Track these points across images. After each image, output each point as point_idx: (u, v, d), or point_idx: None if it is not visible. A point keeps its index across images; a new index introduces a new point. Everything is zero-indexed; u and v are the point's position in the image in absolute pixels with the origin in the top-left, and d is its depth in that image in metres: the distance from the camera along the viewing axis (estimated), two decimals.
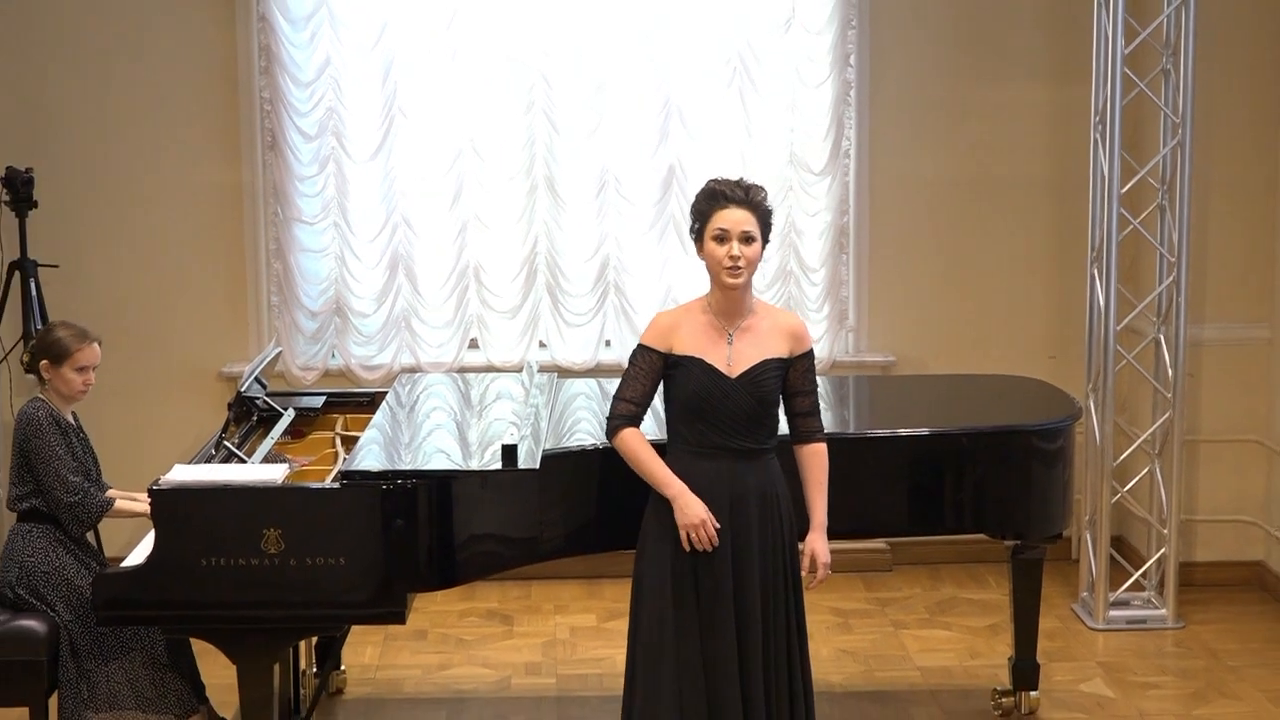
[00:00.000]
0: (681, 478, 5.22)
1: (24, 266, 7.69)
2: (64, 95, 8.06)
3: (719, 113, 8.17)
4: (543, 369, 7.21)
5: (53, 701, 6.09)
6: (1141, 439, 7.96)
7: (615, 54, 8.10)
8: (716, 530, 5.17)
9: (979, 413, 6.79)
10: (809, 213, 8.29)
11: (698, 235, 5.29)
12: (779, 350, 5.28)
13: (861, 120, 8.28)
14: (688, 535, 5.16)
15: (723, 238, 5.20)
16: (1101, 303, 7.77)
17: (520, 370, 7.41)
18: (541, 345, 8.31)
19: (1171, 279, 7.78)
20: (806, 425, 5.38)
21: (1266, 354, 8.13)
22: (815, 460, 5.39)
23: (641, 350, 5.33)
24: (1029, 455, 6.36)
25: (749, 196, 5.25)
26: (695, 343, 5.26)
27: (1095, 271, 7.81)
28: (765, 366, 5.25)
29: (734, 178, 5.37)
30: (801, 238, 8.29)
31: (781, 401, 5.34)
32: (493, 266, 8.26)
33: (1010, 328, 8.43)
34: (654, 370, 5.31)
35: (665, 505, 5.23)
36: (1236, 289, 8.14)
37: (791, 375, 5.31)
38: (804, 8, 8.13)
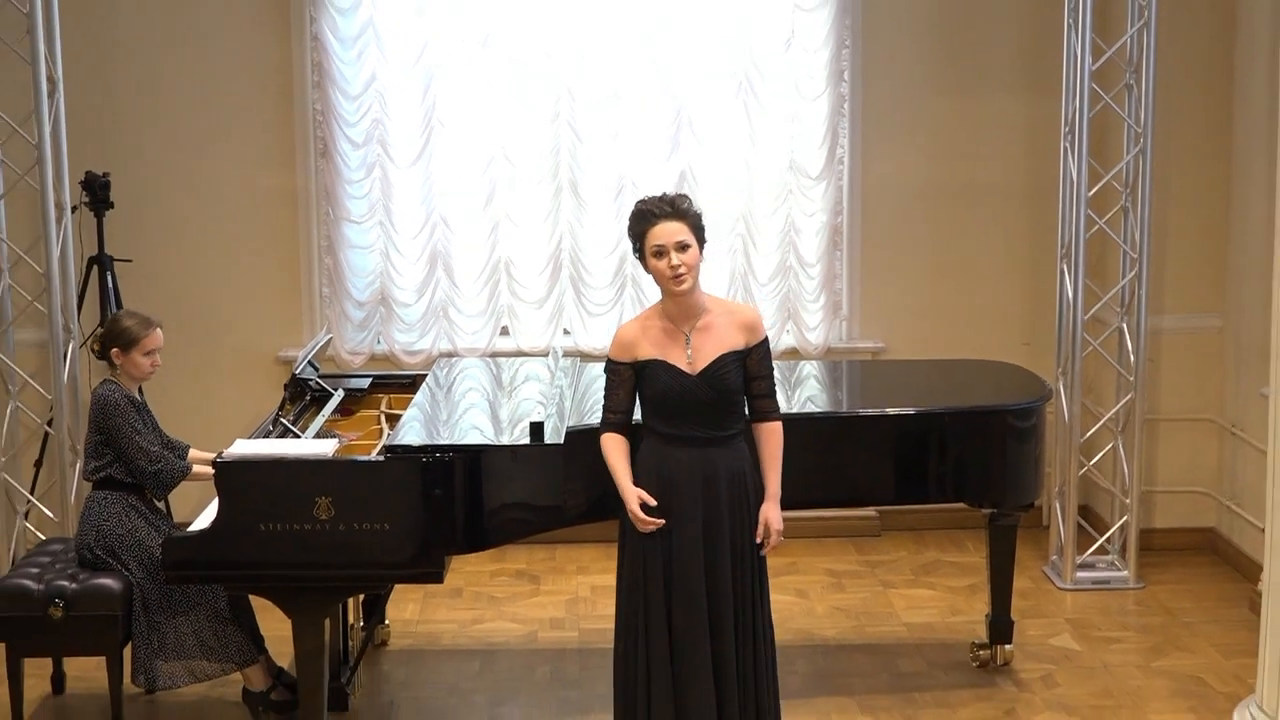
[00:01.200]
0: (656, 463, 5.25)
1: (102, 261, 7.72)
2: (138, 107, 8.07)
3: (726, 123, 8.16)
4: (567, 354, 7.22)
5: (126, 651, 6.13)
6: (1106, 418, 7.95)
7: (632, 70, 8.09)
8: (657, 508, 5.19)
9: (960, 394, 6.79)
10: (806, 213, 8.27)
11: (639, 254, 5.27)
12: (735, 343, 5.26)
13: (854, 130, 8.26)
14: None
15: (660, 252, 5.18)
16: (1070, 295, 7.75)
17: (546, 355, 7.42)
18: (566, 332, 8.31)
19: (1134, 274, 7.77)
20: (763, 406, 5.35)
21: (1218, 341, 8.12)
22: (771, 438, 5.36)
23: (611, 365, 5.34)
24: (1005, 432, 6.36)
25: (675, 208, 5.23)
26: (657, 347, 5.25)
27: (1065, 267, 7.80)
28: (724, 360, 5.22)
29: (658, 194, 5.36)
30: (800, 236, 8.28)
31: (745, 384, 5.32)
32: (522, 261, 8.26)
33: (988, 317, 8.41)
34: (626, 380, 5.30)
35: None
36: (1192, 283, 8.12)
37: (748, 363, 5.29)
38: (803, 29, 8.12)
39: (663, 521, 5.20)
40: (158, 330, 6.18)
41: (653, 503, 5.20)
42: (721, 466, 5.25)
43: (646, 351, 5.25)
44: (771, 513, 5.32)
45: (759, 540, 5.31)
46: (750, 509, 5.30)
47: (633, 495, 5.22)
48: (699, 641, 5.24)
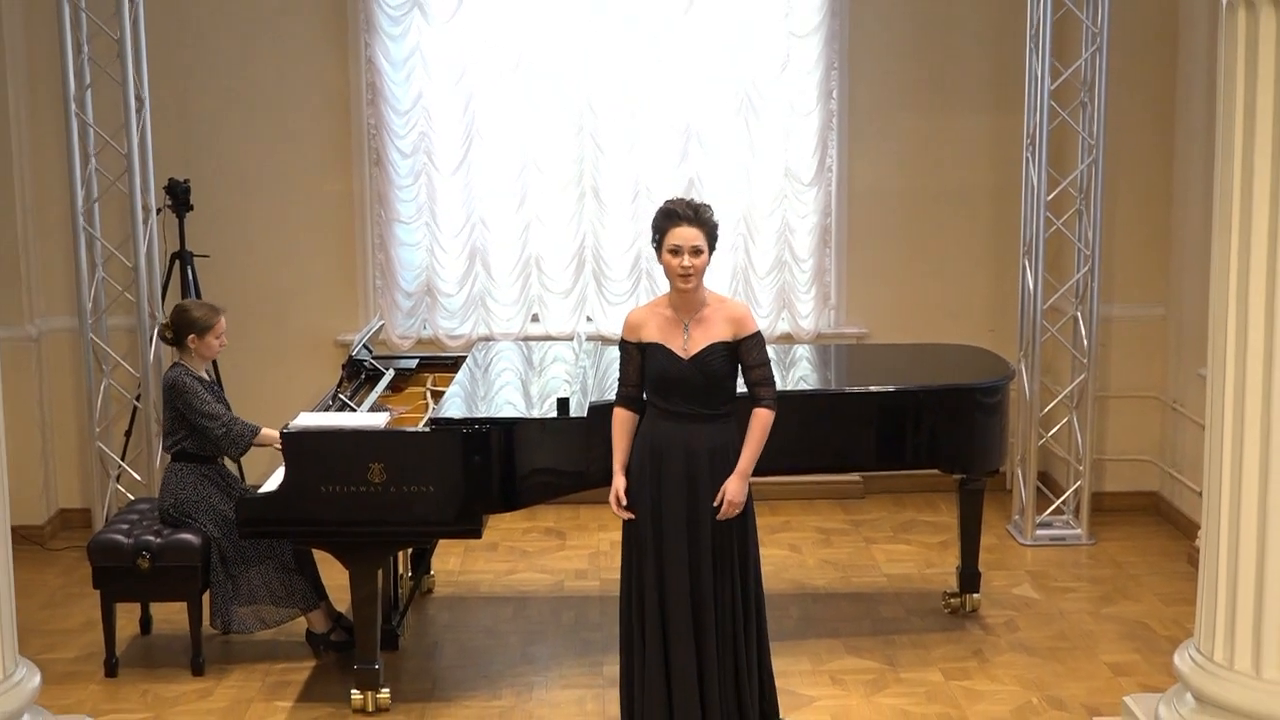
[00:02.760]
0: (650, 435, 5.25)
1: (183, 257, 7.72)
2: (215, 121, 8.06)
3: (729, 136, 8.13)
4: (589, 338, 7.22)
5: (205, 598, 6.16)
6: (1062, 395, 7.93)
7: (647, 89, 8.06)
8: (643, 480, 5.23)
9: (934, 373, 6.77)
10: (799, 215, 8.25)
11: (657, 246, 5.24)
12: (724, 335, 5.21)
13: (841, 142, 8.23)
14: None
15: (676, 251, 5.15)
16: (1031, 287, 7.73)
17: (571, 339, 7.41)
18: (588, 319, 8.30)
19: (1087, 268, 7.74)
20: (757, 393, 5.28)
21: (1161, 328, 8.10)
22: (756, 422, 5.26)
23: (622, 345, 5.34)
24: (973, 407, 6.35)
25: (698, 215, 5.19)
26: (659, 332, 5.24)
27: (1026, 262, 7.78)
28: (713, 349, 5.19)
29: (686, 198, 5.33)
30: (793, 235, 8.26)
31: (742, 373, 5.29)
32: (550, 257, 8.25)
33: (959, 306, 8.38)
34: (634, 358, 5.29)
35: (638, 470, 5.26)
36: (1138, 276, 8.09)
37: (741, 353, 5.24)
38: (796, 54, 8.09)
39: (632, 515, 5.23)
40: (222, 316, 6.23)
41: (624, 501, 5.24)
42: (704, 441, 5.21)
43: (650, 335, 5.25)
44: (732, 484, 5.20)
45: (715, 504, 5.22)
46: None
47: (615, 484, 5.26)
48: (681, 598, 5.22)
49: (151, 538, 6.10)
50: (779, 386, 5.43)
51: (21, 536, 7.10)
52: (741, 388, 5.29)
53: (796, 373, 6.81)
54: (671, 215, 5.20)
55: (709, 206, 5.27)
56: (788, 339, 8.22)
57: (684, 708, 5.27)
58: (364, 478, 5.56)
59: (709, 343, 5.21)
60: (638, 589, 5.30)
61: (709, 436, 5.23)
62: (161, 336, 6.27)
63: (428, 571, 7.15)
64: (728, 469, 5.24)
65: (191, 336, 6.14)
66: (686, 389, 5.21)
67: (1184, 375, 7.84)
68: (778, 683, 5.62)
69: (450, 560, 7.53)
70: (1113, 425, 8.20)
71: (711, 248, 5.22)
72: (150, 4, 7.68)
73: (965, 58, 8.21)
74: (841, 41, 8.14)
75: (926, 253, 8.38)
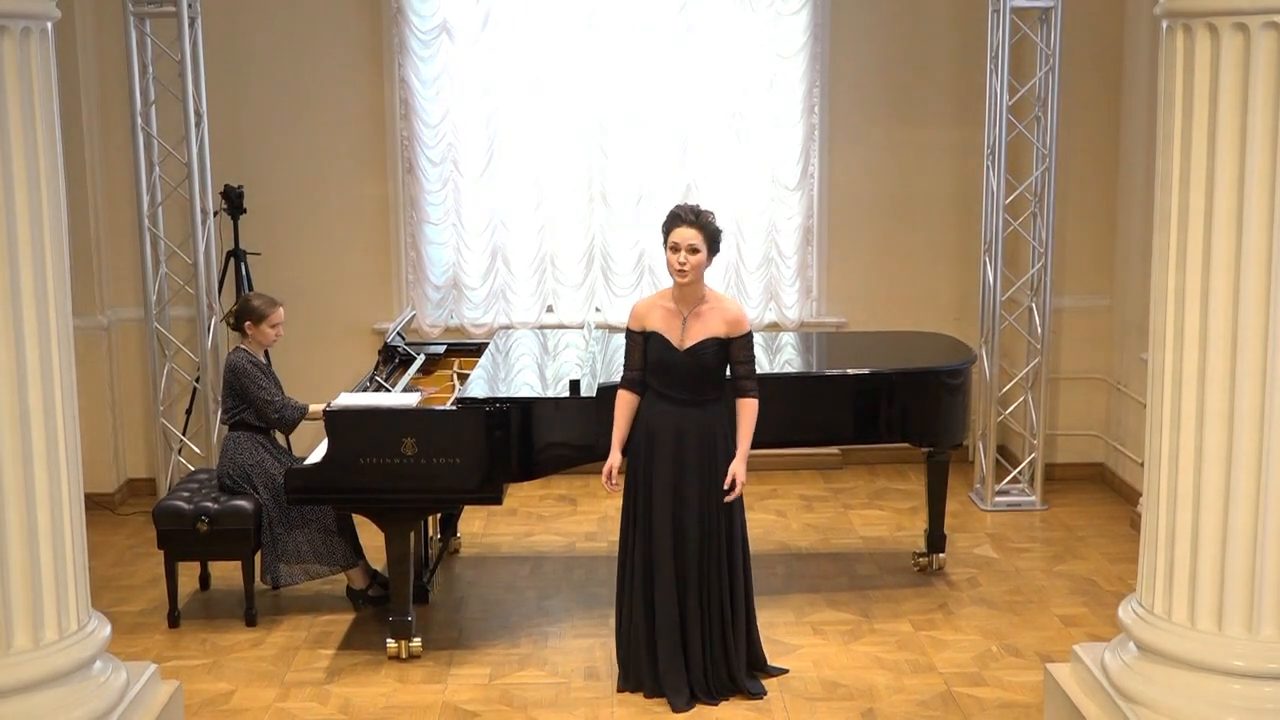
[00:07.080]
0: (647, 414, 5.28)
1: (237, 254, 7.70)
2: (266, 134, 8.04)
3: (722, 146, 8.10)
4: (598, 327, 7.20)
5: (257, 557, 6.15)
6: (1018, 377, 7.91)
7: (649, 104, 8.03)
8: (637, 454, 5.29)
9: (905, 358, 6.74)
10: (785, 217, 8.22)
11: (664, 244, 5.25)
12: (718, 331, 5.22)
13: (823, 152, 8.20)
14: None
15: (675, 248, 5.17)
16: (991, 280, 7.71)
17: (582, 328, 7.40)
18: (597, 310, 8.27)
19: (1040, 264, 7.72)
20: (743, 385, 5.30)
21: (1107, 317, 8.08)
22: (745, 410, 5.29)
23: (627, 332, 5.36)
24: (940, 387, 6.33)
25: (697, 219, 5.20)
26: (659, 323, 5.25)
27: (986, 259, 7.75)
28: (706, 344, 5.20)
29: (691, 204, 5.35)
30: (779, 234, 8.23)
31: (730, 368, 5.31)
32: (563, 254, 8.22)
33: (927, 298, 8.36)
34: (638, 344, 5.31)
35: (634, 446, 5.31)
36: (1086, 271, 8.07)
37: (731, 350, 5.25)
38: (782, 73, 8.05)
39: (618, 489, 5.32)
40: (280, 308, 6.21)
41: (615, 480, 5.32)
42: (693, 423, 5.23)
43: (652, 324, 5.26)
44: (738, 467, 5.26)
45: (725, 487, 5.26)
46: (717, 460, 5.26)
47: (610, 461, 5.31)
48: (664, 556, 5.25)
49: (210, 504, 6.09)
50: (766, 370, 5.45)
51: (94, 503, 7.11)
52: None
53: (782, 357, 6.79)
54: (675, 217, 5.23)
55: (712, 213, 5.27)
56: (774, 327, 8.20)
57: (667, 653, 5.28)
58: (398, 451, 5.55)
59: (703, 337, 5.21)
60: (630, 550, 5.31)
61: (696, 420, 5.24)
62: (225, 321, 6.29)
63: (454, 534, 7.15)
64: (711, 449, 5.25)
65: (248, 323, 6.15)
66: (680, 376, 5.21)
67: (1127, 359, 7.82)
68: (764, 633, 5.63)
69: (474, 524, 7.52)
70: (1063, 404, 8.18)
71: (712, 249, 5.22)
72: (208, 29, 7.65)
73: (933, 77, 8.18)
74: (822, 62, 8.11)
75: (898, 250, 8.35)
